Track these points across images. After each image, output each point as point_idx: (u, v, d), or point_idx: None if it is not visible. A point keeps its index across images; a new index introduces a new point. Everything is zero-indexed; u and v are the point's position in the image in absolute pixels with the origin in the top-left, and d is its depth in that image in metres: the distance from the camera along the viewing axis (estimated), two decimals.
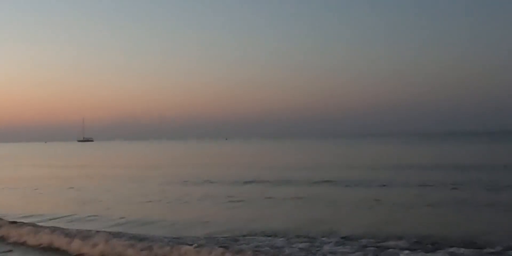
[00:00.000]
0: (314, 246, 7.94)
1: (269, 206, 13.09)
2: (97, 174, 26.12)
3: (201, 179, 20.65)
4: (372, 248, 7.67)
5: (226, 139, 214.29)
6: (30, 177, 24.53)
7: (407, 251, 7.37)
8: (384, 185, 16.64)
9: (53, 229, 9.37)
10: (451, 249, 7.45)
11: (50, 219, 11.38)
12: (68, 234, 8.88)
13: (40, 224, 10.28)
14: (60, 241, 8.58)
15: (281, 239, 8.53)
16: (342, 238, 8.46)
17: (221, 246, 7.56)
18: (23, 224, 10.03)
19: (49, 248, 8.55)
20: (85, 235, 8.66)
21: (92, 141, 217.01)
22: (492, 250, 7.45)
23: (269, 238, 8.66)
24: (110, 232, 9.01)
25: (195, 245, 7.56)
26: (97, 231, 9.07)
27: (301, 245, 7.98)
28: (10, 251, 8.57)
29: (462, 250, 7.40)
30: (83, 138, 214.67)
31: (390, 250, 7.53)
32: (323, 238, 8.47)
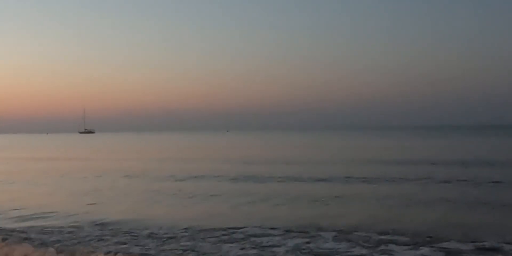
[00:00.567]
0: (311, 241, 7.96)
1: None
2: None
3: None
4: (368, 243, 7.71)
5: (228, 131, 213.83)
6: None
7: (405, 247, 7.43)
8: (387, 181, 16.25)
9: None
10: (447, 244, 7.54)
11: None
12: None
13: None
14: None
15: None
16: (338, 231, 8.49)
17: None
18: None
19: None
20: None
21: (93, 132, 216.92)
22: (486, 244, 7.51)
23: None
24: None
25: None
26: None
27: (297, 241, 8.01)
28: None
29: (458, 244, 7.52)
30: (85, 129, 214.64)
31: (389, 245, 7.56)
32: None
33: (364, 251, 7.31)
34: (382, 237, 8.17)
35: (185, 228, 9.13)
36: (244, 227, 9.08)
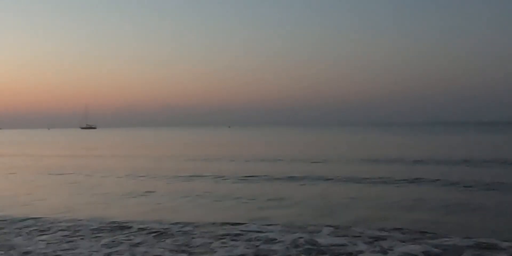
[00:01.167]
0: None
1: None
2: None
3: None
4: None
5: (229, 127, 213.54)
6: None
7: (403, 243, 7.42)
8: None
9: None
10: (445, 240, 7.54)
11: None
12: None
13: None
14: None
15: None
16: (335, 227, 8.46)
17: None
18: None
19: None
20: None
21: (95, 128, 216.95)
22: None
23: None
24: None
25: None
26: None
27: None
28: None
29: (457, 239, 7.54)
30: (86, 125, 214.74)
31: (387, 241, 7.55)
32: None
33: (362, 247, 7.30)
34: (380, 233, 8.17)
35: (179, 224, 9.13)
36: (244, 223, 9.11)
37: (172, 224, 9.12)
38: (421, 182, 14.60)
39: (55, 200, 12.41)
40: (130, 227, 8.87)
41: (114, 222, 9.33)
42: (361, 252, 7.05)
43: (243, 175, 17.05)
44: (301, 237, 7.90)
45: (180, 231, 8.55)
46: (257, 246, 7.47)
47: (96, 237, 8.18)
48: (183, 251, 7.20)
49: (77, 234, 8.42)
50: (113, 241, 7.84)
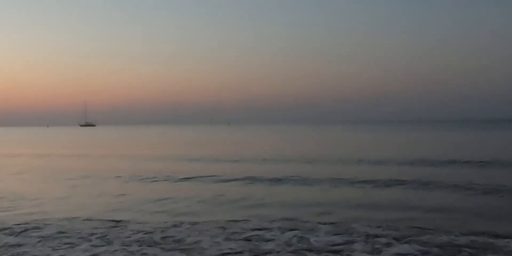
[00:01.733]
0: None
1: None
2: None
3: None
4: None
5: (228, 125, 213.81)
6: None
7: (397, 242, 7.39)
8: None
9: None
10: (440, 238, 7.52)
11: None
12: None
13: None
14: None
15: None
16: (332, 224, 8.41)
17: None
18: None
19: None
20: None
21: (94, 126, 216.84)
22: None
23: None
24: None
25: None
26: None
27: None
28: None
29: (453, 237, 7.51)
30: (85, 122, 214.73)
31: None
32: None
33: (359, 245, 7.26)
34: (377, 231, 8.15)
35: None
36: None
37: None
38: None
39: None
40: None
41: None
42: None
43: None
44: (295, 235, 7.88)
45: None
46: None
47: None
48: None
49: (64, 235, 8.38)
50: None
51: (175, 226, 8.74)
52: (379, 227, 8.45)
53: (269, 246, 7.32)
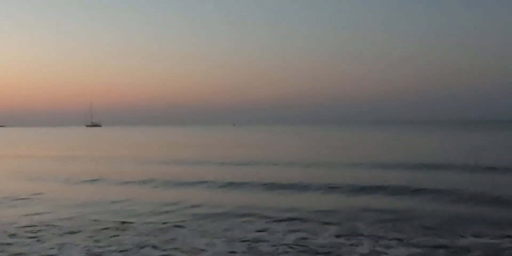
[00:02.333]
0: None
1: None
2: None
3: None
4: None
5: (234, 125, 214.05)
6: None
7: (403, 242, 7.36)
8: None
9: None
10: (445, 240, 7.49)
11: None
12: None
13: None
14: None
15: None
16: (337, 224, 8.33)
17: None
18: None
19: None
20: None
21: (100, 126, 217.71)
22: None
23: None
24: None
25: None
26: None
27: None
28: None
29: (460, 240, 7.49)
30: (91, 123, 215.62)
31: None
32: None
33: (364, 247, 7.22)
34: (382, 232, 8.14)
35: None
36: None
37: None
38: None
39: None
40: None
41: None
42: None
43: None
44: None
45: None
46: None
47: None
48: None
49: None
50: None
51: (177, 227, 8.76)
52: (382, 228, 8.43)
53: (271, 247, 7.31)
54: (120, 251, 7.16)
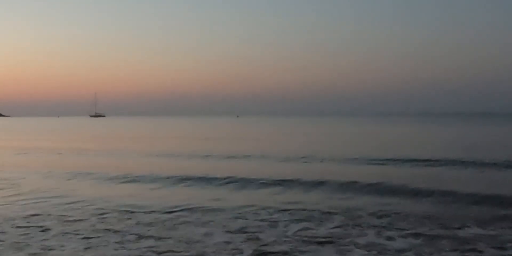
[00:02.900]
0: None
1: None
2: None
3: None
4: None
5: (238, 117, 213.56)
6: None
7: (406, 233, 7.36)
8: None
9: None
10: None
11: None
12: None
13: None
14: None
15: None
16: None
17: None
18: None
19: None
20: None
21: (104, 116, 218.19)
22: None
23: None
24: None
25: None
26: None
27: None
28: None
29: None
30: (95, 113, 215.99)
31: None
32: None
33: (368, 237, 7.22)
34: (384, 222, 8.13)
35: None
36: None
37: None
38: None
39: None
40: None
41: None
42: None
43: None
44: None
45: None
46: None
47: None
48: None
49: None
50: None
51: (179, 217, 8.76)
52: (387, 218, 8.44)
53: (275, 236, 7.30)
54: (119, 241, 7.16)
